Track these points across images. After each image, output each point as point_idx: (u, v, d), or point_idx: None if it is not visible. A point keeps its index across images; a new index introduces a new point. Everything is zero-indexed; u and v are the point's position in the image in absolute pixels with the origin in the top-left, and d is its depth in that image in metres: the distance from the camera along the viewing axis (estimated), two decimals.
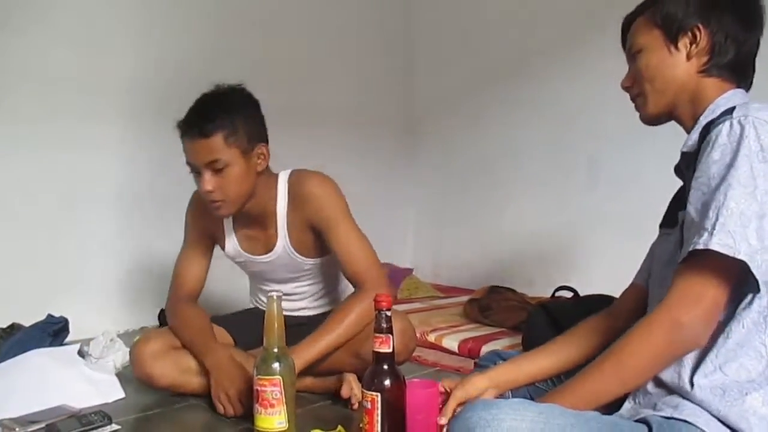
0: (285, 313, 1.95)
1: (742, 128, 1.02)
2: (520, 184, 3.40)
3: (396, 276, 3.47)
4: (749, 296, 1.04)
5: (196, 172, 1.75)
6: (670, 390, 1.09)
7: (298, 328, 1.85)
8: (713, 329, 1.05)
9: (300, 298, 2.03)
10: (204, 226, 1.96)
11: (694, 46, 1.17)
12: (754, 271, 0.99)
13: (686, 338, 1.04)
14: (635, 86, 1.28)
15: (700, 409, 1.04)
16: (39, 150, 2.59)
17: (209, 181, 1.71)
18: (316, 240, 1.87)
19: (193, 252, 1.98)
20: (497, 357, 1.47)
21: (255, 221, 1.90)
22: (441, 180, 3.83)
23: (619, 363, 1.08)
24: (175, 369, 1.81)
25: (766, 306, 1.04)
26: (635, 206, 2.90)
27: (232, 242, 1.95)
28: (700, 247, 1.01)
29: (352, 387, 1.74)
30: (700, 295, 1.02)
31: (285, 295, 1.95)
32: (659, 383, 1.11)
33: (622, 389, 1.10)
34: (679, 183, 1.30)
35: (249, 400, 1.60)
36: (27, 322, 2.24)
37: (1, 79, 2.51)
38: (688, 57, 1.18)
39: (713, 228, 1.00)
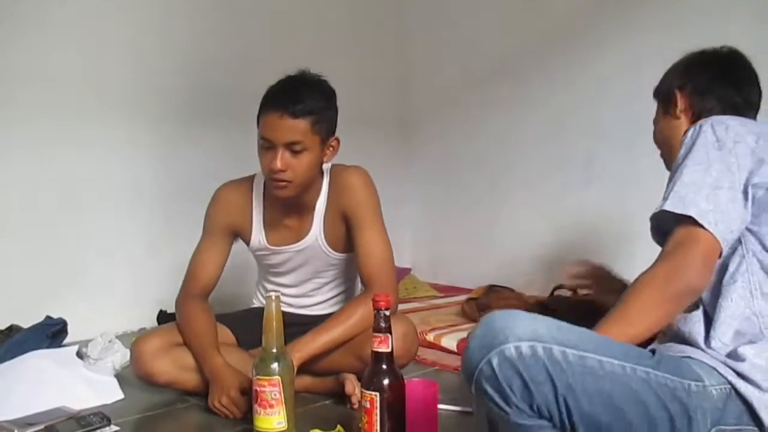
0: (295, 310, 2.01)
1: (701, 126, 1.25)
2: (518, 183, 3.40)
3: None
4: (731, 271, 1.19)
5: (269, 148, 1.75)
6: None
7: (305, 330, 1.86)
8: (710, 274, 1.17)
9: (314, 294, 2.05)
10: (229, 219, 1.96)
11: (678, 107, 1.47)
12: (708, 227, 1.14)
13: (685, 276, 1.15)
14: (661, 148, 1.59)
15: (707, 356, 1.16)
16: (36, 150, 2.58)
17: (283, 159, 1.73)
18: (347, 233, 1.91)
19: (211, 247, 1.96)
20: None
21: (294, 209, 1.91)
22: (438, 179, 3.83)
23: (625, 308, 1.17)
24: (174, 366, 1.81)
25: (748, 281, 1.18)
26: (632, 205, 2.91)
27: (259, 233, 1.96)
28: (656, 210, 1.23)
29: (354, 384, 1.73)
30: (694, 239, 1.16)
31: (299, 288, 2.03)
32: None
33: (631, 335, 1.16)
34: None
35: (246, 402, 1.62)
36: (25, 324, 2.24)
37: (2, 78, 2.51)
38: (681, 115, 1.47)
39: (668, 195, 1.21)
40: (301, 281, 2.03)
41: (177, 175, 2.94)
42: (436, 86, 3.79)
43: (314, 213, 1.92)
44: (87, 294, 2.66)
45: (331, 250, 1.94)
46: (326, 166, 1.93)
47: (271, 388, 1.43)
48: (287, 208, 1.92)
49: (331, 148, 1.85)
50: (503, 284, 2.94)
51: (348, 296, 2.09)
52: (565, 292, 2.40)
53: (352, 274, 2.06)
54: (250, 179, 2.00)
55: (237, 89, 2.92)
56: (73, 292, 2.61)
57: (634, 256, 2.80)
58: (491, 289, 2.86)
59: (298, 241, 1.93)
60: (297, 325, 1.90)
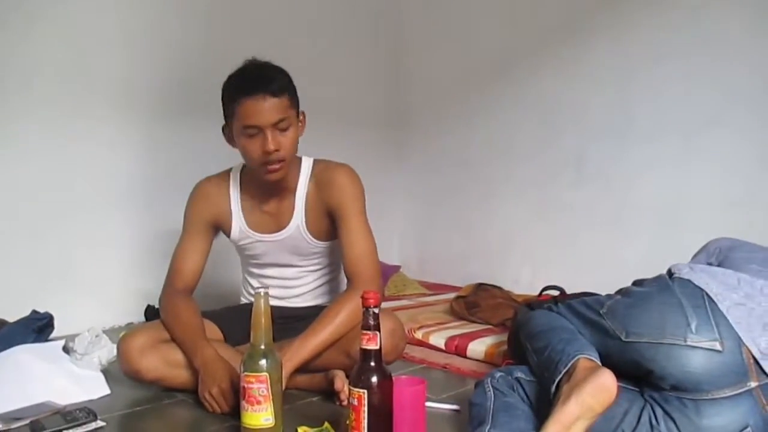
0: (280, 303, 2.01)
1: None
2: (507, 182, 3.41)
3: (384, 273, 3.46)
4: None
5: (255, 134, 1.77)
6: None
7: (291, 324, 1.86)
8: None
9: (298, 285, 2.05)
10: (208, 213, 1.97)
11: None
12: None
13: None
14: None
15: None
16: (25, 145, 2.57)
17: (275, 140, 1.76)
18: (330, 226, 1.94)
19: (192, 243, 1.97)
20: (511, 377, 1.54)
21: (273, 194, 1.94)
22: (428, 177, 3.83)
23: None
24: (162, 363, 1.80)
25: None
26: (622, 204, 2.93)
27: (239, 222, 1.97)
28: None
29: (343, 381, 1.73)
30: None
31: (283, 280, 2.03)
32: None
33: None
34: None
35: (235, 397, 1.61)
36: (11, 318, 2.22)
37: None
38: None
39: None
40: (284, 272, 2.03)
41: (165, 171, 2.93)
42: (427, 85, 3.79)
43: (294, 200, 1.93)
44: (74, 288, 2.65)
45: (312, 239, 1.96)
46: (306, 157, 1.97)
47: (259, 385, 1.42)
48: (266, 195, 1.94)
49: (302, 123, 1.89)
50: (491, 283, 2.94)
51: (333, 287, 2.09)
52: (554, 292, 2.40)
53: (336, 264, 2.06)
54: (227, 172, 2.03)
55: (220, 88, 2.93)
56: (60, 287, 2.60)
57: (624, 255, 2.85)
58: (480, 287, 2.86)
59: (280, 230, 1.95)
60: (283, 318, 1.91)
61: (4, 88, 2.51)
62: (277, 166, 1.80)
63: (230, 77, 1.83)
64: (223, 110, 1.85)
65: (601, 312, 1.48)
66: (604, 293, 1.69)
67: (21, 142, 2.57)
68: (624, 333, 1.40)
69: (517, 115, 3.35)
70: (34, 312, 2.25)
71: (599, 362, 1.37)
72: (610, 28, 2.93)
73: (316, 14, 3.44)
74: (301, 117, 1.88)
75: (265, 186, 1.90)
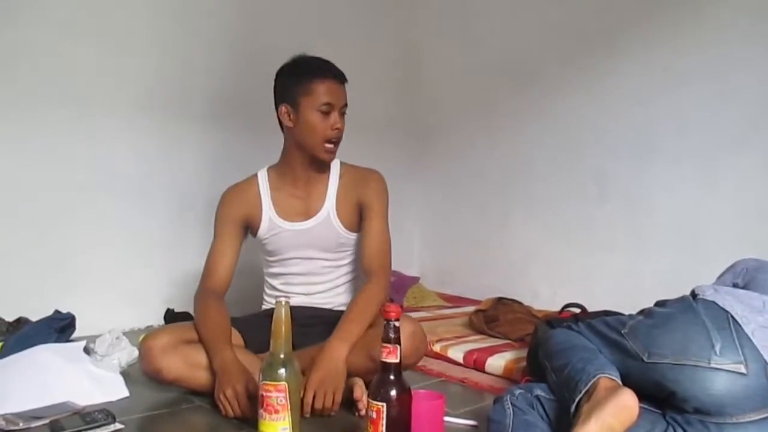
0: (304, 300, 2.07)
1: None
2: (527, 196, 3.39)
3: (403, 284, 3.47)
4: None
5: (328, 112, 1.96)
6: None
7: (313, 327, 1.91)
8: None
9: (323, 281, 2.10)
10: (238, 211, 2.07)
11: None
12: None
13: None
14: None
15: None
16: (48, 145, 2.60)
17: (342, 120, 1.99)
18: (358, 218, 2.07)
19: (223, 245, 2.05)
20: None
21: (307, 182, 2.07)
22: (448, 189, 3.82)
23: None
24: (183, 363, 1.81)
25: None
26: (643, 223, 2.91)
27: (269, 212, 2.07)
28: None
29: (362, 390, 1.73)
30: None
31: (308, 276, 2.10)
32: None
33: None
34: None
35: (249, 403, 1.63)
36: (34, 317, 2.25)
37: (14, 71, 2.53)
38: None
39: None
40: (309, 267, 2.09)
41: (188, 176, 2.96)
42: (450, 97, 3.78)
43: (326, 190, 2.07)
44: (95, 290, 2.67)
45: (342, 227, 2.06)
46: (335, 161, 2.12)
47: (277, 394, 1.43)
48: (299, 183, 2.07)
49: None
50: (510, 296, 2.93)
51: (355, 287, 2.13)
52: (575, 309, 2.38)
53: (357, 263, 2.11)
54: (253, 176, 2.14)
55: (245, 93, 2.98)
56: (82, 288, 2.62)
57: (644, 274, 2.83)
58: (500, 301, 2.85)
59: (309, 217, 2.06)
60: (306, 319, 1.95)
61: (24, 86, 2.54)
62: (333, 147, 2.00)
63: (297, 62, 2.03)
64: (285, 90, 2.00)
65: (622, 332, 1.46)
66: (623, 312, 1.67)
67: (50, 139, 2.60)
68: (646, 353, 1.38)
69: (538, 131, 3.33)
70: (57, 312, 2.27)
71: (620, 382, 1.36)
72: (633, 47, 2.91)
73: (336, 23, 3.45)
74: None
75: (304, 171, 2.05)
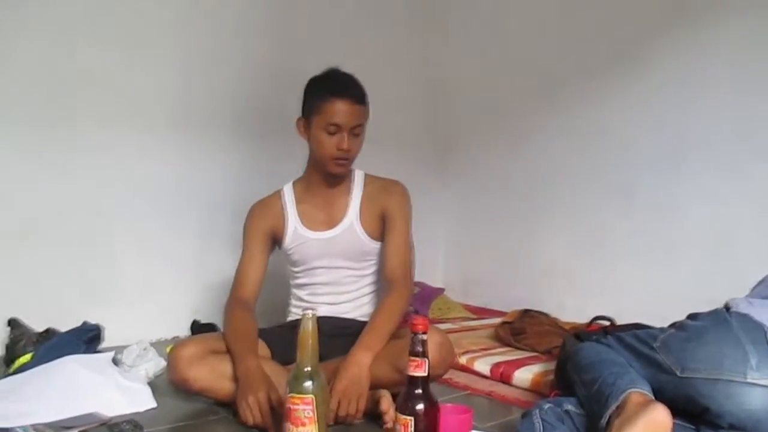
0: (330, 310, 2.08)
1: None
2: (553, 207, 3.36)
3: (428, 295, 3.45)
4: None
5: (335, 132, 1.97)
6: None
7: (340, 338, 1.89)
8: None
9: (348, 291, 2.12)
10: (265, 224, 2.12)
11: None
12: None
13: None
14: None
15: None
16: (80, 158, 2.63)
17: (350, 141, 1.98)
18: (381, 227, 2.09)
19: (252, 256, 2.09)
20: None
21: (330, 191, 2.11)
22: (472, 200, 3.80)
23: None
24: (210, 373, 1.81)
25: None
26: (671, 235, 2.86)
27: (294, 222, 2.11)
28: None
29: (389, 402, 1.72)
30: None
31: (334, 285, 2.12)
32: None
33: None
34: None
35: (271, 412, 1.64)
36: (63, 328, 2.27)
37: (55, 96, 2.58)
38: None
39: None
40: (335, 276, 2.11)
41: (214, 190, 2.97)
42: (473, 109, 3.77)
43: (349, 200, 2.10)
44: (123, 301, 2.69)
45: (365, 236, 2.08)
46: (357, 170, 2.15)
47: (305, 407, 1.42)
48: (323, 192, 2.11)
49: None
50: (536, 308, 2.90)
51: (379, 298, 2.12)
52: (604, 323, 2.35)
53: (381, 274, 2.11)
54: (279, 190, 2.19)
55: (271, 109, 3.01)
56: (110, 299, 2.65)
57: (672, 286, 2.78)
58: (526, 313, 2.82)
59: (334, 226, 2.09)
60: (333, 330, 1.94)
61: (55, 99, 2.58)
62: (344, 162, 2.02)
63: (319, 78, 2.05)
64: (304, 105, 2.05)
65: (654, 346, 1.44)
66: (651, 324, 1.65)
67: (78, 153, 2.63)
68: (679, 368, 1.36)
69: (564, 141, 3.30)
70: (85, 323, 2.29)
71: (652, 397, 1.34)
72: (662, 56, 2.87)
73: (361, 35, 3.46)
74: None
75: (324, 181, 2.09)
